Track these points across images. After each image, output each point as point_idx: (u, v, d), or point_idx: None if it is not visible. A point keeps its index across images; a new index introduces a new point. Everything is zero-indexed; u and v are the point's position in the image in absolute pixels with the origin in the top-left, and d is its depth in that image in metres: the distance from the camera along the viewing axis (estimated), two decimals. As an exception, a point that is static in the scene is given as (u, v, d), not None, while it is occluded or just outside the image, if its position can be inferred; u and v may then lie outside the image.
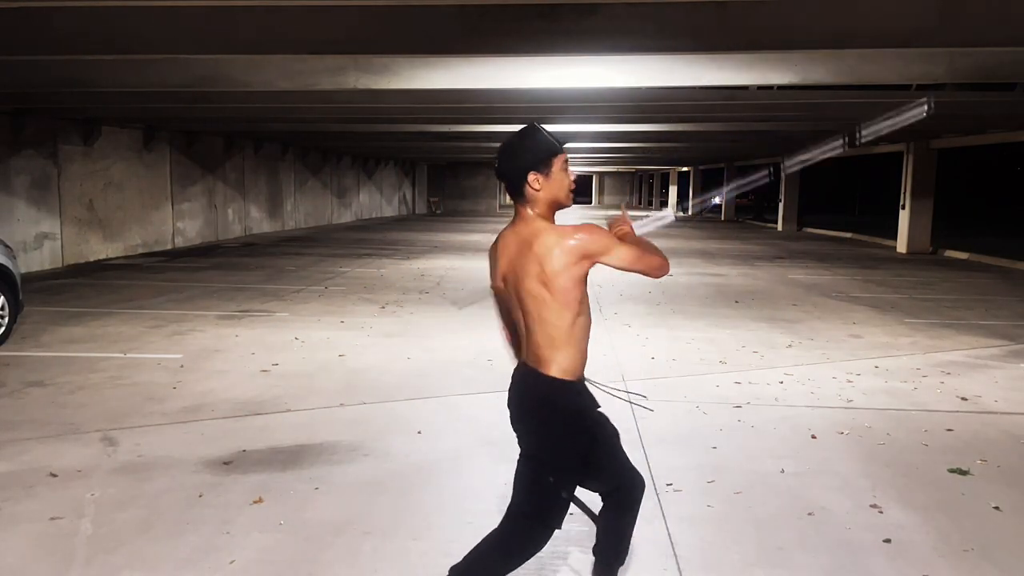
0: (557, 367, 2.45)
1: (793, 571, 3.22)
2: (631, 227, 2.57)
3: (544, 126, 2.50)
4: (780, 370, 6.56)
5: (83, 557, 3.25)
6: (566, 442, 2.50)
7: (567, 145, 2.76)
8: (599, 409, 2.64)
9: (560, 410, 2.48)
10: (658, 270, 2.50)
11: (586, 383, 2.58)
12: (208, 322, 8.36)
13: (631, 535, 2.86)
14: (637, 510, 2.79)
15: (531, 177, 2.42)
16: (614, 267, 2.44)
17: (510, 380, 2.61)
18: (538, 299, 2.41)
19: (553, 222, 2.49)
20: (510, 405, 2.61)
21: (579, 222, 2.48)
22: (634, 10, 5.89)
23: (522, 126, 2.52)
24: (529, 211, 2.48)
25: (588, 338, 2.52)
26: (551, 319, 2.41)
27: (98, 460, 4.33)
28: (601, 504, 2.80)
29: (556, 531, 2.58)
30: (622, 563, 2.87)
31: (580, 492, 2.68)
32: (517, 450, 2.62)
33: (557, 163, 2.44)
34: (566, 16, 5.86)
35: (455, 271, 13.52)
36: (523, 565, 2.67)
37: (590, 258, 2.39)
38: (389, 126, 15.53)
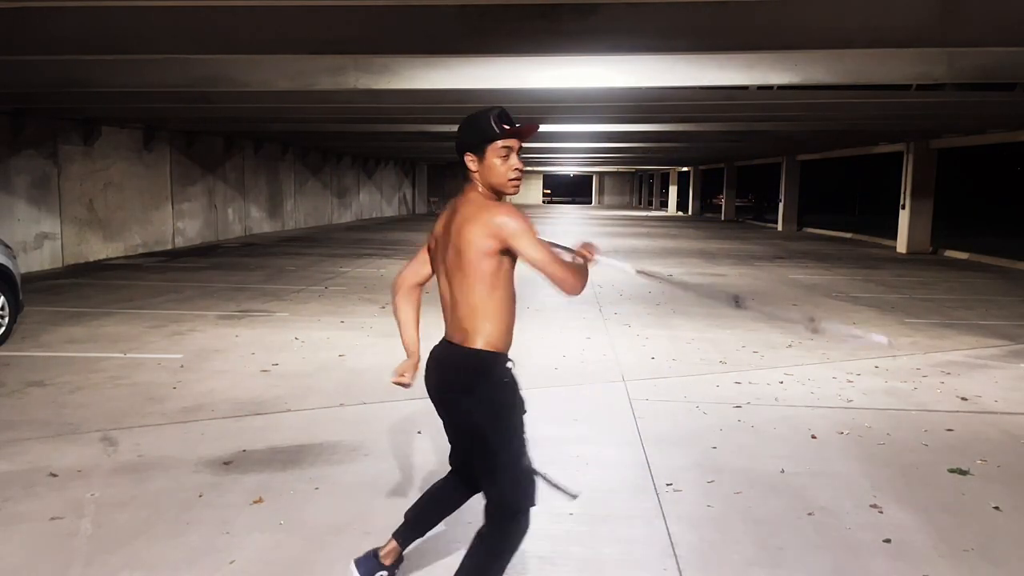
0: (482, 339, 2.46)
1: (793, 571, 3.22)
2: (588, 256, 2.63)
3: (510, 114, 2.49)
4: (780, 370, 6.56)
5: (83, 557, 3.25)
6: (507, 411, 2.51)
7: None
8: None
9: (495, 381, 2.49)
10: (565, 284, 2.45)
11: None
12: (208, 322, 8.36)
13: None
14: (513, 543, 2.56)
15: (467, 157, 2.49)
16: (524, 259, 2.44)
17: (428, 356, 2.59)
18: (453, 269, 2.49)
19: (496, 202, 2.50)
20: (430, 382, 2.60)
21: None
22: (634, 10, 5.90)
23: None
24: (473, 188, 2.53)
25: (511, 314, 2.53)
26: (466, 291, 2.46)
27: (98, 460, 4.33)
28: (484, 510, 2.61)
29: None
30: None
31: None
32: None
33: (492, 149, 2.45)
34: (566, 16, 5.86)
35: (455, 271, 13.50)
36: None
37: (500, 239, 2.40)
38: (389, 126, 15.53)
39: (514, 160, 2.47)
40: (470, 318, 2.47)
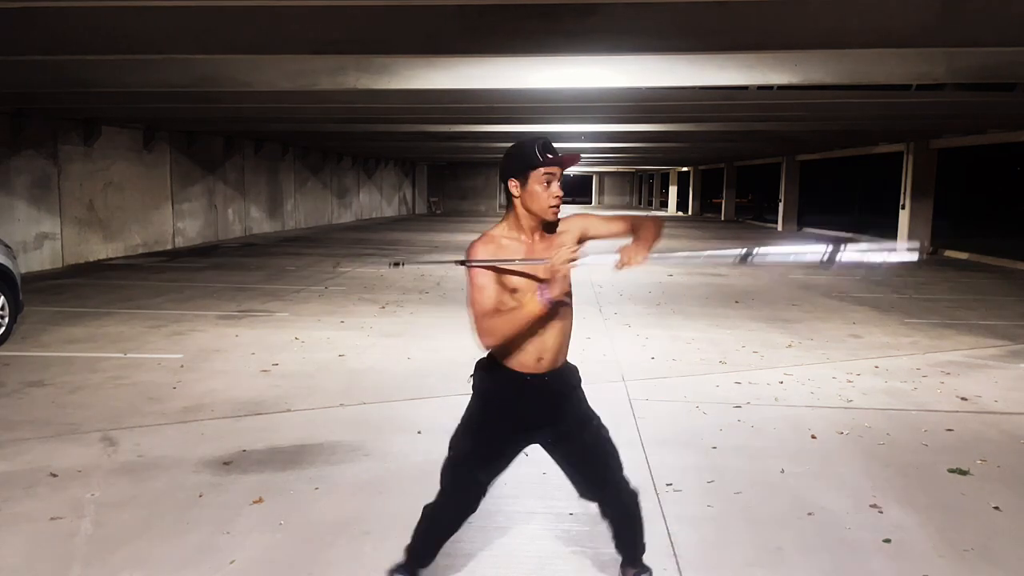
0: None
1: (793, 571, 3.22)
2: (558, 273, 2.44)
3: (554, 143, 2.57)
4: (780, 370, 6.56)
5: (83, 557, 3.25)
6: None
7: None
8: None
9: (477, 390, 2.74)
10: (475, 328, 2.49)
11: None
12: (208, 322, 8.36)
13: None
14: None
15: (510, 183, 2.57)
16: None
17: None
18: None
19: (529, 229, 2.59)
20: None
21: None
22: (634, 10, 5.89)
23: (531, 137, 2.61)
24: (511, 213, 2.60)
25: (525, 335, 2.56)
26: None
27: (98, 460, 4.33)
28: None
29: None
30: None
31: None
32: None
33: (534, 176, 2.52)
34: (566, 16, 5.86)
35: (455, 271, 13.49)
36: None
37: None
38: (389, 126, 15.52)
39: (555, 188, 2.54)
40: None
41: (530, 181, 2.52)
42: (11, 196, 12.32)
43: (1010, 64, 7.02)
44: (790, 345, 7.58)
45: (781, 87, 9.74)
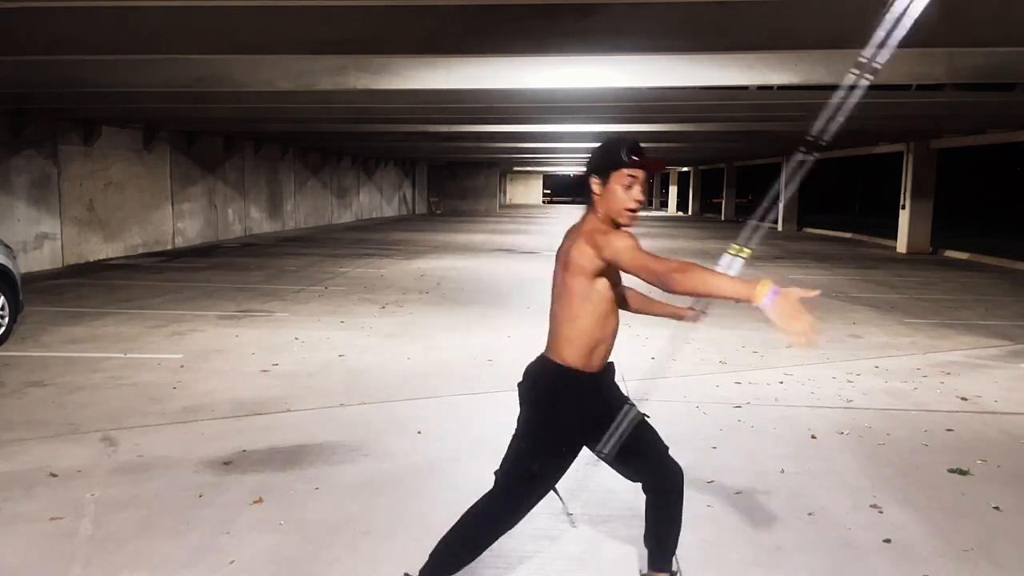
0: (559, 354, 2.56)
1: (793, 571, 3.22)
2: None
3: (641, 146, 2.51)
4: (780, 370, 6.56)
5: (83, 557, 3.25)
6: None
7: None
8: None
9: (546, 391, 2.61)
10: (663, 277, 2.27)
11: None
12: (208, 322, 8.36)
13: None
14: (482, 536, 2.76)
15: (592, 180, 2.52)
16: (625, 271, 2.45)
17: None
18: (558, 287, 2.55)
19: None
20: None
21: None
22: (634, 10, 5.89)
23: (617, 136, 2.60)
24: (592, 213, 2.55)
25: (597, 335, 2.55)
26: (562, 308, 2.54)
27: (98, 460, 4.33)
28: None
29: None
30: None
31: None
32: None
33: (617, 176, 2.47)
34: (566, 16, 5.86)
35: (455, 271, 13.52)
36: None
37: (599, 258, 2.44)
38: (389, 126, 15.52)
39: (636, 191, 2.48)
40: (555, 334, 2.62)
41: (612, 180, 2.47)
42: (11, 196, 12.32)
43: (1010, 64, 7.03)
44: (790, 345, 7.56)
45: (781, 87, 9.74)
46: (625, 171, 2.46)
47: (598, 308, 2.52)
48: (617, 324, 2.61)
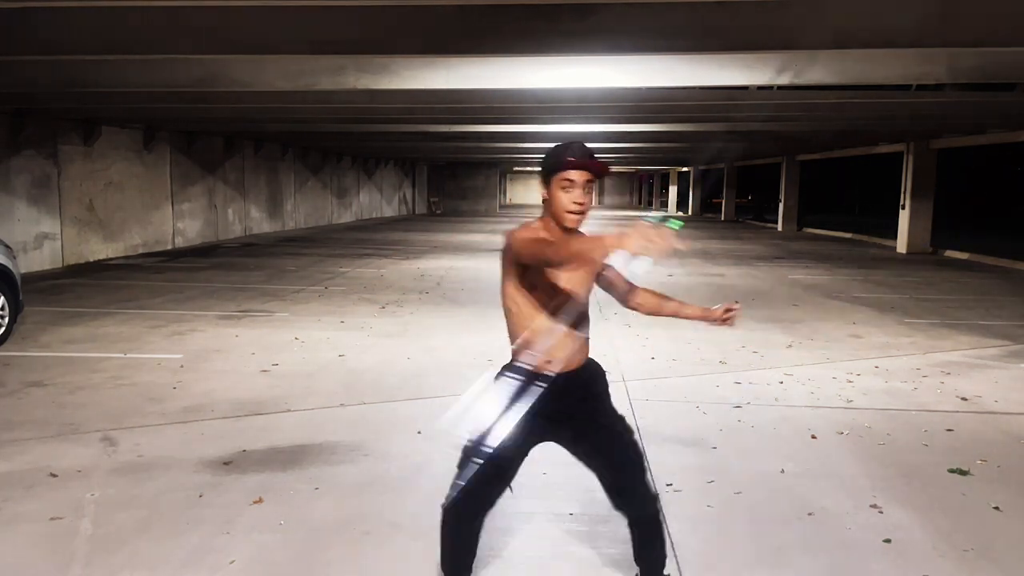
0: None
1: (793, 571, 3.21)
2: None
3: (586, 148, 2.49)
4: (780, 370, 6.56)
5: (83, 557, 3.25)
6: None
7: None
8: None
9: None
10: (543, 255, 2.38)
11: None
12: (208, 322, 8.36)
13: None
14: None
15: (540, 184, 2.55)
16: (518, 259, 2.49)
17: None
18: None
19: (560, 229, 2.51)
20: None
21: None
22: (634, 10, 5.89)
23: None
24: (546, 215, 2.55)
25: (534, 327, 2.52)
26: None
27: (98, 460, 4.33)
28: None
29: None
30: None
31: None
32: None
33: (557, 181, 2.47)
34: (566, 16, 5.85)
35: (455, 271, 13.52)
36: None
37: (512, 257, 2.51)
38: (389, 126, 15.52)
39: (576, 194, 2.45)
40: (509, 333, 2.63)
41: (553, 184, 2.48)
42: (11, 196, 12.32)
43: (1010, 64, 7.02)
44: (790, 345, 7.58)
45: (781, 87, 9.74)
46: (562, 175, 2.45)
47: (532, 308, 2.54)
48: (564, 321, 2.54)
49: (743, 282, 12.50)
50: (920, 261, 16.76)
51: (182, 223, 17.68)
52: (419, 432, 4.84)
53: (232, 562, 3.21)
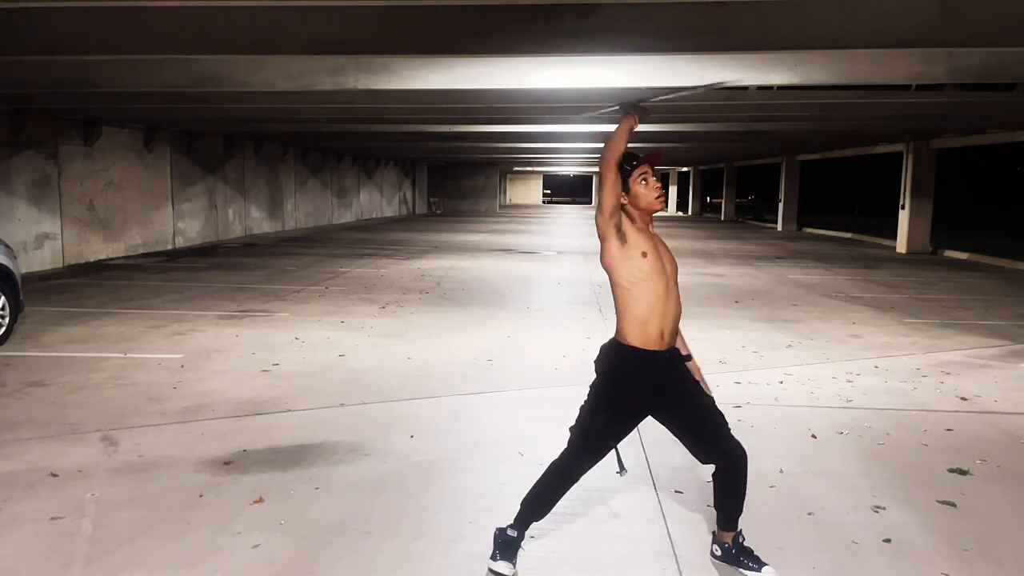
0: (618, 332, 3.11)
1: (793, 571, 3.22)
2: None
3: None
4: (780, 370, 6.56)
5: (83, 557, 3.25)
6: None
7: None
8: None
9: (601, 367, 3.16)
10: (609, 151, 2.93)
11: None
12: (208, 322, 8.36)
13: None
14: None
15: (622, 198, 3.05)
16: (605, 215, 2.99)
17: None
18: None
19: (644, 223, 3.07)
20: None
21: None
22: (634, 10, 5.89)
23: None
24: (630, 220, 3.07)
25: (646, 309, 3.00)
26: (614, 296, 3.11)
27: (98, 460, 4.34)
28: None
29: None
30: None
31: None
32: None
33: (632, 181, 3.01)
34: (566, 16, 5.86)
35: (455, 271, 13.52)
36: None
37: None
38: (389, 126, 15.52)
39: (652, 182, 3.03)
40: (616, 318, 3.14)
41: (631, 186, 3.00)
42: (11, 196, 12.32)
43: (1010, 64, 7.02)
44: (790, 345, 7.58)
45: (781, 87, 9.74)
46: (635, 174, 3.01)
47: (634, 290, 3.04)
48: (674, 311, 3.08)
49: (743, 282, 12.50)
50: (920, 261, 16.77)
51: (182, 223, 17.68)
52: (418, 432, 4.84)
53: (232, 562, 3.21)
